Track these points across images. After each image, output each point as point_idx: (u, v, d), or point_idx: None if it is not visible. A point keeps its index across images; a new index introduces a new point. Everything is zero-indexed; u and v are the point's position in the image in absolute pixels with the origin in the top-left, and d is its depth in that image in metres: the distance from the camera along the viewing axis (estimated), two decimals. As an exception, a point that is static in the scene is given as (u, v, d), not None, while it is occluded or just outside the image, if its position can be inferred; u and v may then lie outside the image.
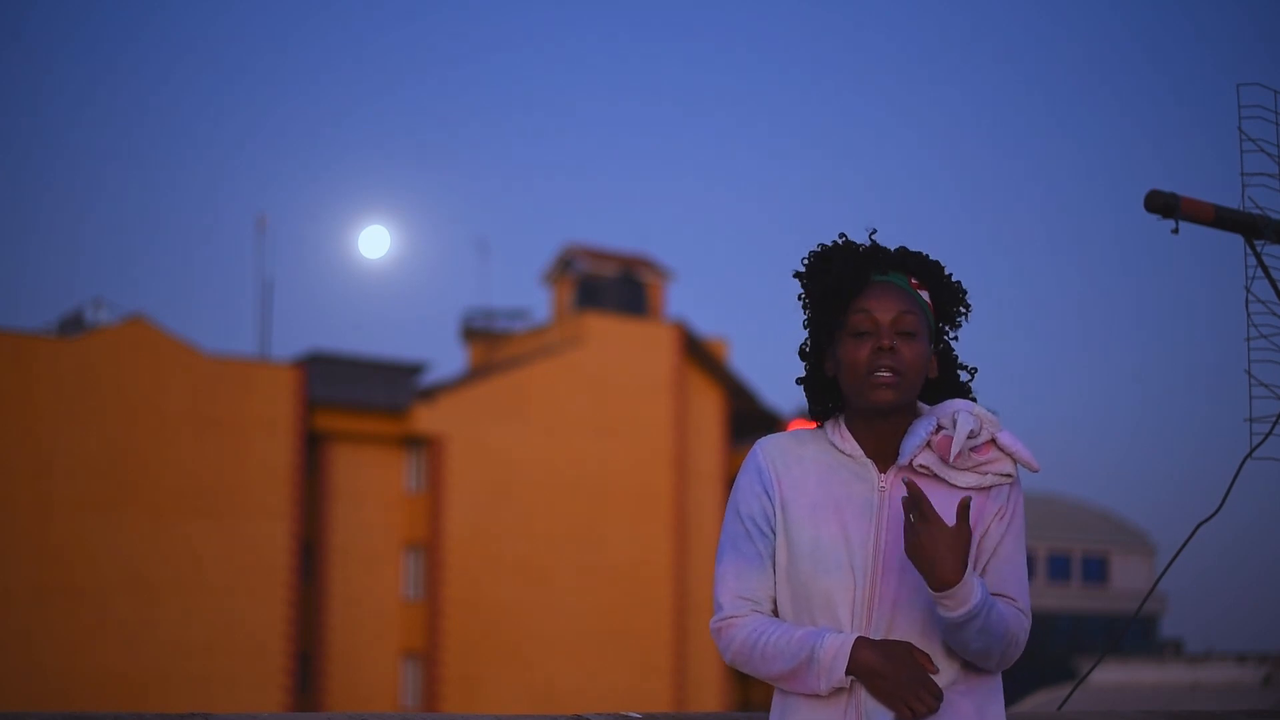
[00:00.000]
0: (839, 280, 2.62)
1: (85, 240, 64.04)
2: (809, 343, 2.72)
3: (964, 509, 2.45)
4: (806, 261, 2.71)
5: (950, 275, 2.72)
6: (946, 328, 2.73)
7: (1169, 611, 56.60)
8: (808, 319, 2.71)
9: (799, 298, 2.72)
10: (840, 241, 2.70)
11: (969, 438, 2.60)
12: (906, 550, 2.45)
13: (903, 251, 2.69)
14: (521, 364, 40.16)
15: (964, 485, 2.60)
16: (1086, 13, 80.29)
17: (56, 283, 62.99)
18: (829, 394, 2.71)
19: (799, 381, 2.75)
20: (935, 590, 2.45)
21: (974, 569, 2.55)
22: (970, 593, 2.45)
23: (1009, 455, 2.63)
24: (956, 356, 2.76)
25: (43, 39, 60.17)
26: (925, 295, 2.67)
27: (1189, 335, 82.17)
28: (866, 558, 2.56)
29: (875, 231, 2.71)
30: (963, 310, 2.73)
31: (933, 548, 2.43)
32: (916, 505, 2.44)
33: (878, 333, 2.59)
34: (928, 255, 2.71)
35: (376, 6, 70.67)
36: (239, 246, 61.65)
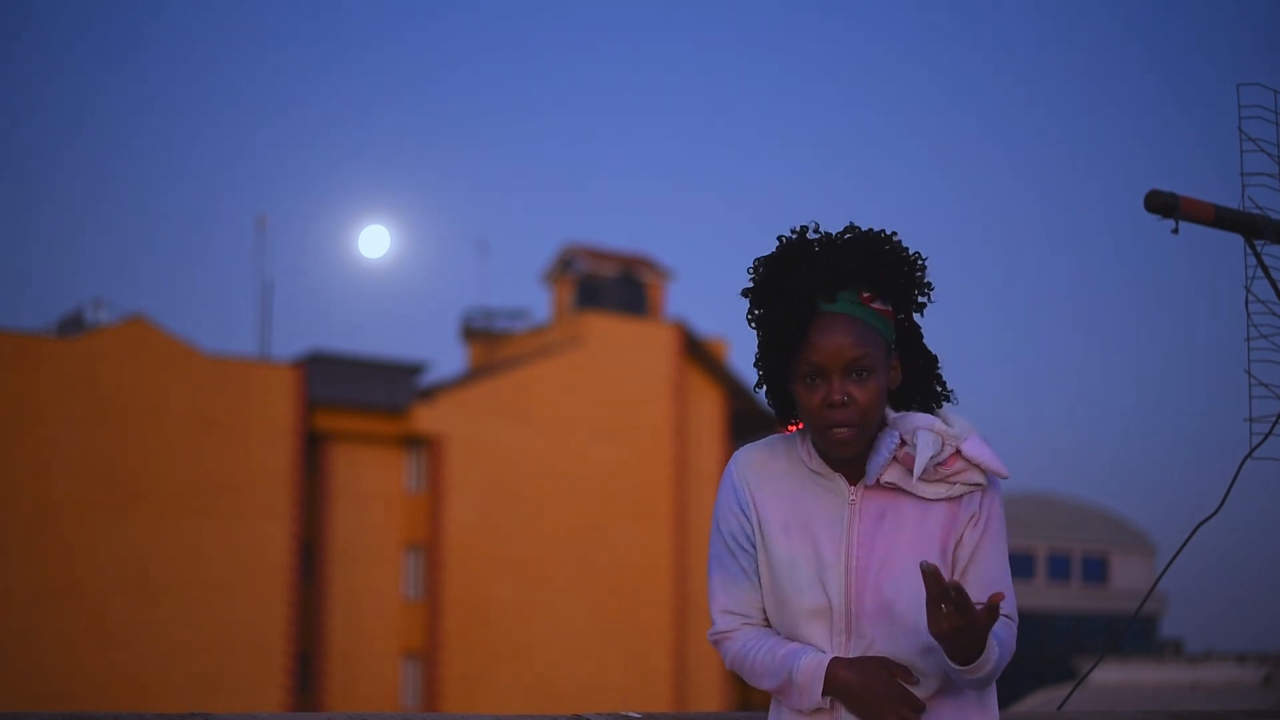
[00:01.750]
0: (782, 322, 2.49)
1: (85, 240, 64.08)
2: (762, 360, 2.59)
3: (990, 610, 2.35)
4: (751, 276, 2.57)
5: (906, 254, 2.55)
6: (910, 310, 2.60)
7: (1169, 611, 56.64)
8: (758, 339, 2.58)
9: (747, 315, 2.58)
10: (787, 249, 2.54)
11: (930, 459, 2.52)
12: (935, 633, 2.36)
13: (851, 253, 2.50)
14: (521, 364, 40.15)
15: (934, 497, 2.53)
16: (1086, 13, 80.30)
17: (56, 283, 63.01)
18: (791, 404, 2.63)
19: (757, 387, 2.65)
20: (960, 665, 2.42)
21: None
22: (990, 653, 2.43)
23: (975, 465, 2.55)
24: (922, 339, 2.64)
25: (44, 40, 60.19)
26: (879, 305, 2.52)
27: (1189, 335, 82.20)
28: (840, 574, 2.53)
29: (817, 226, 2.55)
30: (925, 292, 2.59)
31: (970, 638, 2.37)
32: (954, 597, 2.33)
33: (828, 382, 2.48)
34: (879, 237, 2.54)
35: (376, 8, 70.67)
36: (239, 246, 61.80)
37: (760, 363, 2.61)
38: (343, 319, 68.66)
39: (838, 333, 2.47)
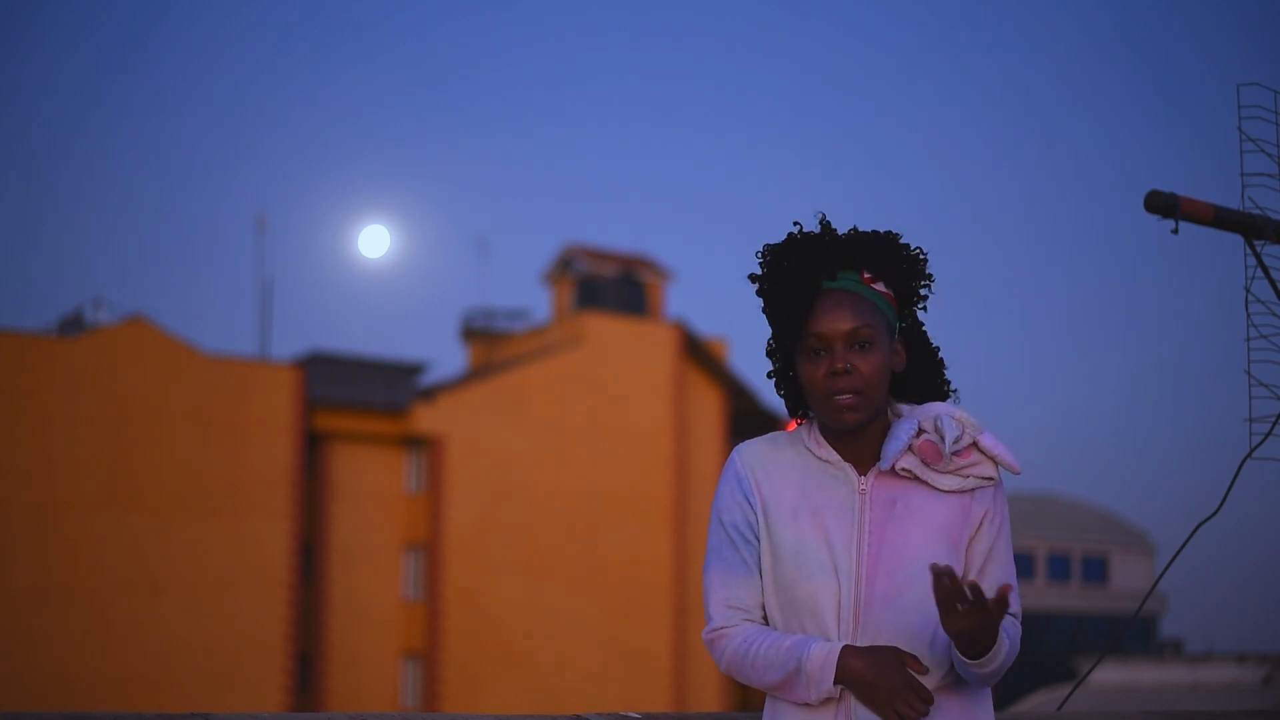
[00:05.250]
0: (786, 297, 2.54)
1: (86, 240, 64.08)
2: (774, 343, 2.65)
3: (1000, 601, 2.39)
4: (760, 261, 2.61)
5: (906, 248, 2.61)
6: (913, 302, 2.65)
7: (1169, 611, 56.66)
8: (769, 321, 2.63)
9: (759, 296, 2.62)
10: (788, 241, 2.59)
11: (954, 442, 2.56)
12: (950, 630, 2.40)
13: (852, 239, 2.57)
14: (521, 364, 40.15)
15: (946, 488, 2.56)
16: (1086, 13, 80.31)
17: (57, 283, 63.05)
18: (799, 392, 2.66)
19: (770, 375, 2.68)
20: (971, 659, 2.44)
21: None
22: (1000, 647, 2.45)
23: (990, 458, 2.59)
24: (925, 333, 2.69)
25: (45, 40, 60.20)
26: (881, 286, 2.58)
27: (1189, 335, 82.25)
28: (851, 561, 2.53)
29: (824, 216, 2.60)
30: (925, 284, 2.64)
31: (985, 631, 2.40)
32: (971, 597, 2.36)
33: (831, 352, 2.52)
34: (880, 234, 2.60)
35: (377, 9, 70.67)
36: (239, 246, 61.78)
37: (771, 350, 2.66)
38: (343, 319, 68.71)
39: (839, 305, 2.53)
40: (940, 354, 2.71)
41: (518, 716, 3.67)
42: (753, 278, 2.62)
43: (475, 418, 38.30)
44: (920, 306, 2.67)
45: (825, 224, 2.60)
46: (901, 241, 2.61)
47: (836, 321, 2.52)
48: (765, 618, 2.61)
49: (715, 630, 2.60)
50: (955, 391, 2.72)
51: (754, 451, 2.66)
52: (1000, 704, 2.75)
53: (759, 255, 2.62)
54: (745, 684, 2.61)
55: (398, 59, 71.82)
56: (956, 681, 2.55)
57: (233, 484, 34.37)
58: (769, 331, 2.66)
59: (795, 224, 2.61)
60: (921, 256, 2.62)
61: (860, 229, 2.62)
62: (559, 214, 71.75)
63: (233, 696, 32.55)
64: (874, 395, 2.55)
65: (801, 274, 2.53)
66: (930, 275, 2.64)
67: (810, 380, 2.55)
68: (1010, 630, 2.53)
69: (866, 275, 2.56)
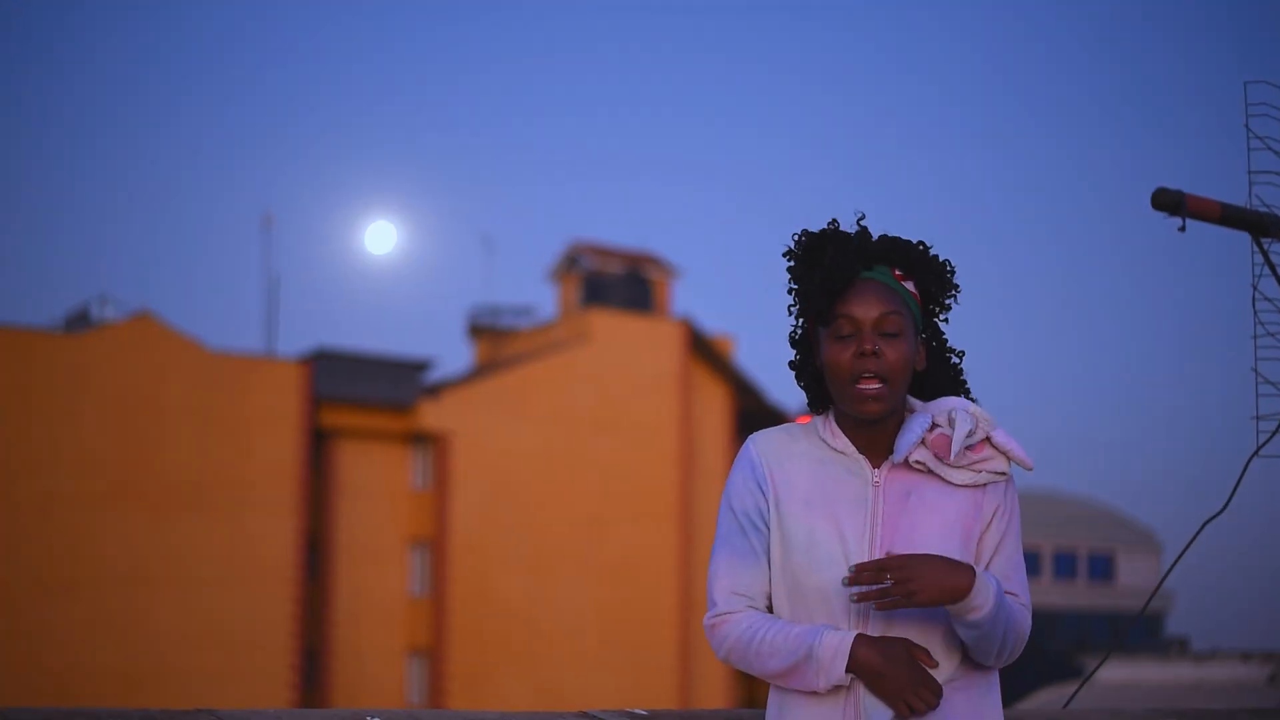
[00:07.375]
0: (823, 280, 2.59)
1: (92, 237, 64.13)
2: (799, 331, 2.70)
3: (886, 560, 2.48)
4: (793, 248, 2.67)
5: (937, 257, 2.67)
6: (935, 310, 2.70)
7: (1175, 609, 56.52)
8: (796, 307, 2.68)
9: (788, 276, 2.68)
10: (827, 230, 2.65)
11: (966, 437, 2.59)
12: (921, 605, 2.45)
13: (886, 240, 2.64)
14: (527, 361, 40.17)
15: (959, 482, 2.59)
16: (1094, 9, 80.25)
17: (63, 279, 63.10)
18: (821, 383, 2.69)
19: (791, 365, 2.72)
20: (960, 603, 2.45)
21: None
22: (988, 586, 2.47)
23: (1003, 453, 2.62)
24: (946, 340, 2.73)
25: (50, 38, 60.26)
26: (910, 286, 2.63)
27: (1196, 333, 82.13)
28: (863, 553, 2.55)
29: (864, 216, 2.66)
30: (951, 293, 2.69)
31: (933, 575, 2.43)
32: (884, 568, 2.44)
33: (860, 336, 2.56)
34: (912, 241, 2.66)
35: (382, 7, 70.66)
36: (245, 243, 61.85)
37: (795, 340, 2.70)
38: (349, 315, 68.68)
39: (872, 293, 2.59)
40: (961, 364, 2.75)
41: (524, 713, 3.67)
42: (787, 254, 2.67)
43: (481, 414, 38.32)
44: (943, 317, 2.71)
45: (860, 228, 2.66)
46: (932, 253, 2.68)
47: (868, 307, 2.57)
48: (769, 606, 2.63)
49: (718, 615, 2.62)
50: (975, 401, 2.74)
51: (769, 440, 2.69)
52: (1006, 701, 2.76)
53: (794, 236, 2.67)
54: (744, 671, 2.62)
55: (403, 56, 71.85)
56: (966, 675, 2.57)
57: (238, 480, 34.41)
58: (784, 324, 2.71)
59: (832, 221, 2.66)
60: (949, 268, 2.68)
61: (889, 235, 2.68)
62: (565, 211, 71.80)
63: (238, 692, 32.58)
64: (897, 385, 2.58)
65: (838, 264, 2.59)
66: (956, 285, 2.70)
67: (836, 363, 2.58)
68: (1014, 606, 2.56)
69: (898, 272, 2.63)
